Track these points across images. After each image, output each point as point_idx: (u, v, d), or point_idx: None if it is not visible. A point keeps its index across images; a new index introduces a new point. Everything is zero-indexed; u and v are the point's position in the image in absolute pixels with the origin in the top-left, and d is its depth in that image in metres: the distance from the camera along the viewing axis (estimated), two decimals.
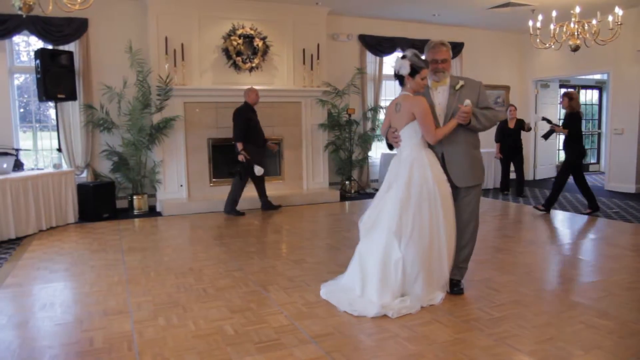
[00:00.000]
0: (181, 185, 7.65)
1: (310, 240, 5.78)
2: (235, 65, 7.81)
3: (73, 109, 7.27)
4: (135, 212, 7.32)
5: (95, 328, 3.20)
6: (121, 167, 7.40)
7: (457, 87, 3.61)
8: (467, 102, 3.47)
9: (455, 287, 3.69)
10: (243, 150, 6.88)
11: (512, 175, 8.94)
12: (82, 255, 5.05)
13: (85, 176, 7.42)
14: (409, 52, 3.57)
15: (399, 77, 3.59)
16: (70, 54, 6.98)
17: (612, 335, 3.01)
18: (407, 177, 3.49)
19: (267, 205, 7.42)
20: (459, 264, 3.72)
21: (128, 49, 7.18)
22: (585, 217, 6.79)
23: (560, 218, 6.91)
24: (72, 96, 6.94)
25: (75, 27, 7.12)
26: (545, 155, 11.17)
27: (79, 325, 3.27)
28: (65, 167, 7.14)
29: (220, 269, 4.47)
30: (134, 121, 7.20)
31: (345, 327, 3.16)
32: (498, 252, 4.89)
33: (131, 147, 7.30)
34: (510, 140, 8.68)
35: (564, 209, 7.44)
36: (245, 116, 6.94)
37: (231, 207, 7.12)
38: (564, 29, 6.82)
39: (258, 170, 6.98)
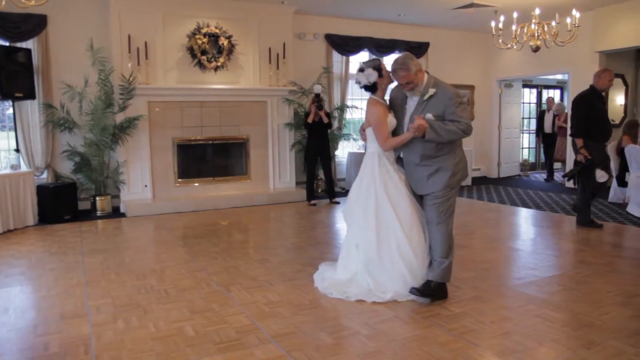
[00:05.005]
0: (145, 186, 7.53)
1: (275, 240, 5.76)
2: (201, 64, 7.72)
3: (32, 108, 7.05)
4: (98, 213, 7.17)
5: (51, 332, 3.13)
6: (83, 168, 7.23)
7: (426, 97, 3.46)
8: (429, 115, 3.40)
9: (413, 288, 3.52)
10: (583, 148, 5.64)
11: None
12: (40, 258, 4.92)
13: (45, 177, 7.22)
14: (362, 65, 3.72)
15: (370, 86, 3.68)
16: (28, 51, 6.77)
17: (566, 328, 3.11)
18: (361, 173, 3.77)
19: (587, 222, 6.00)
20: (432, 263, 3.61)
21: (89, 47, 7.02)
22: (546, 214, 6.97)
23: (522, 215, 7.07)
24: (30, 95, 6.73)
25: (33, 24, 6.92)
26: (509, 153, 11.39)
27: (33, 330, 3.19)
28: (23, 168, 6.94)
29: (182, 270, 4.42)
30: (96, 121, 7.04)
31: (306, 326, 3.16)
32: (460, 249, 4.95)
33: (93, 147, 7.14)
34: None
35: (526, 206, 7.62)
36: (588, 104, 5.73)
37: (583, 217, 6.01)
38: (525, 30, 6.99)
39: (600, 175, 5.72)
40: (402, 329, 3.10)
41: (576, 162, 5.80)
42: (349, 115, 9.34)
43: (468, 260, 4.64)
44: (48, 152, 7.18)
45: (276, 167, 8.48)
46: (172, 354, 2.79)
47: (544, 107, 11.81)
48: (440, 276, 3.57)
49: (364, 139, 3.83)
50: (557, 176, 10.93)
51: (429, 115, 3.41)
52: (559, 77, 12.73)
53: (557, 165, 11.63)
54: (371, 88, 3.70)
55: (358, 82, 3.73)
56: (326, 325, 3.20)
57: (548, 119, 10.64)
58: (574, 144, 5.90)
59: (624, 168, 7.24)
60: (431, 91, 3.45)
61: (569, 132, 9.35)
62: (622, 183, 7.34)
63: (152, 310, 3.45)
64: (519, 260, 4.73)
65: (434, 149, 3.50)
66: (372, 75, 3.64)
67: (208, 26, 7.69)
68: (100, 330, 3.14)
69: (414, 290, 3.51)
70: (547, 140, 10.77)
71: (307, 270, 4.34)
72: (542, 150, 11.54)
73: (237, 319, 3.28)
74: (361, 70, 3.70)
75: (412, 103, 3.60)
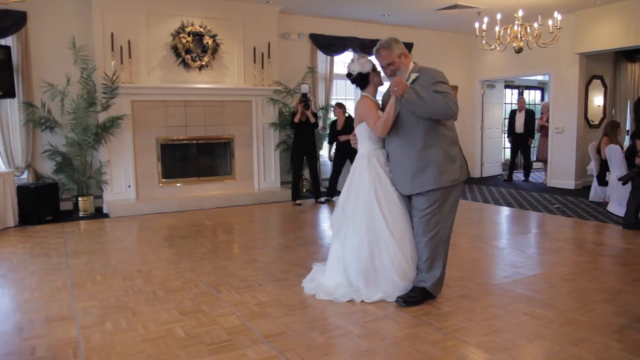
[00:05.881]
0: (129, 186, 7.43)
1: (262, 240, 5.74)
2: (185, 64, 7.66)
3: (11, 107, 6.91)
4: (81, 214, 7.06)
5: (38, 336, 3.06)
6: (65, 168, 7.11)
7: (410, 82, 3.32)
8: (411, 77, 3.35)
9: (399, 298, 3.47)
10: None
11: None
12: (23, 260, 4.82)
13: (25, 177, 7.08)
14: (356, 56, 3.66)
15: (364, 76, 3.60)
16: (7, 48, 6.63)
17: (553, 325, 3.15)
18: (350, 175, 3.69)
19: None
20: (418, 271, 3.53)
21: (71, 44, 6.91)
22: (529, 213, 7.07)
23: (505, 214, 7.16)
24: (10, 93, 6.59)
25: (12, 21, 6.76)
26: (492, 153, 11.53)
27: (18, 333, 3.12)
28: (3, 168, 6.80)
29: (170, 271, 4.38)
30: (78, 120, 6.94)
31: (297, 326, 3.15)
32: None
33: (76, 147, 7.03)
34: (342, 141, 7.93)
35: (509, 205, 7.71)
36: None
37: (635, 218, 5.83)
38: (508, 31, 7.07)
39: None
40: (393, 328, 3.12)
41: (635, 165, 5.71)
42: (333, 115, 9.33)
43: (455, 259, 4.66)
44: (28, 152, 7.05)
45: (261, 167, 8.46)
46: (164, 356, 2.76)
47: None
48: (428, 286, 3.49)
49: (355, 143, 3.75)
50: (537, 176, 11.07)
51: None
52: (539, 78, 12.92)
53: (537, 165, 11.80)
54: (363, 81, 3.62)
55: (351, 73, 3.63)
56: (317, 325, 3.20)
57: (520, 118, 10.58)
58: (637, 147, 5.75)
59: (604, 168, 7.37)
60: (413, 76, 3.34)
61: (552, 131, 9.59)
62: (603, 182, 7.47)
63: (140, 312, 3.41)
64: (505, 258, 4.78)
65: (422, 137, 3.34)
66: (367, 64, 3.57)
67: (192, 25, 7.63)
68: (89, 332, 3.09)
69: (400, 301, 3.46)
70: (518, 140, 10.65)
71: (295, 270, 4.33)
72: (512, 149, 11.09)
73: (228, 320, 3.25)
74: (356, 59, 3.62)
75: None
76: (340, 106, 8.17)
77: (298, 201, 7.92)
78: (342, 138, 7.88)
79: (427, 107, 3.20)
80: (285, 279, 4.11)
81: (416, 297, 3.49)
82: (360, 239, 3.53)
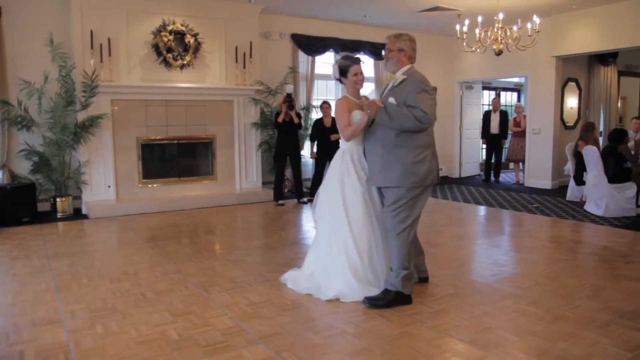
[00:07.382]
0: (109, 186, 7.30)
1: (247, 240, 5.71)
2: (166, 62, 7.56)
3: None
4: (59, 215, 6.89)
5: (25, 341, 2.98)
6: (42, 168, 6.94)
7: (396, 83, 3.48)
8: (391, 99, 3.43)
9: (365, 299, 3.47)
10: None
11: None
12: (2, 263, 4.69)
13: (0, 177, 6.89)
14: (339, 56, 3.87)
15: (338, 80, 3.92)
16: None
17: (542, 321, 3.22)
18: (329, 172, 3.87)
19: None
20: (391, 270, 3.55)
21: (49, 41, 6.74)
22: (509, 212, 7.19)
23: (486, 213, 7.27)
24: None
25: None
26: (470, 153, 11.69)
27: (4, 339, 3.02)
28: None
29: (157, 272, 4.31)
30: (56, 119, 6.78)
31: (291, 326, 3.15)
32: (432, 247, 5.06)
33: (54, 147, 6.87)
34: (326, 140, 8.00)
35: (489, 205, 7.83)
36: None
37: None
38: (489, 34, 7.18)
39: None
40: (387, 327, 3.13)
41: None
42: (315, 115, 9.33)
43: (441, 258, 4.74)
44: (4, 152, 6.86)
45: (242, 167, 8.40)
46: (159, 358, 2.72)
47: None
48: (397, 286, 3.46)
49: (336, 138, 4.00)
50: (508, 177, 11.25)
51: (391, 99, 3.44)
52: (515, 80, 13.17)
53: (510, 165, 11.97)
54: (341, 82, 3.90)
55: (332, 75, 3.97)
56: (311, 325, 3.20)
57: (495, 119, 10.66)
58: None
59: (581, 168, 7.55)
60: (401, 77, 3.49)
61: (529, 132, 9.77)
62: (580, 182, 7.65)
63: (131, 315, 3.35)
64: (490, 257, 4.85)
65: (393, 137, 3.42)
66: (335, 72, 3.86)
67: (174, 23, 7.53)
68: (79, 336, 3.02)
69: (366, 301, 3.45)
70: (493, 141, 10.73)
71: (284, 270, 4.30)
72: (487, 150, 11.06)
73: (221, 321, 3.23)
74: (335, 63, 3.90)
75: (387, 90, 3.63)
76: (329, 104, 8.19)
77: (280, 201, 7.90)
78: (334, 137, 7.83)
79: (398, 125, 3.38)
80: (274, 279, 4.09)
81: (383, 298, 3.45)
82: (322, 229, 3.75)
